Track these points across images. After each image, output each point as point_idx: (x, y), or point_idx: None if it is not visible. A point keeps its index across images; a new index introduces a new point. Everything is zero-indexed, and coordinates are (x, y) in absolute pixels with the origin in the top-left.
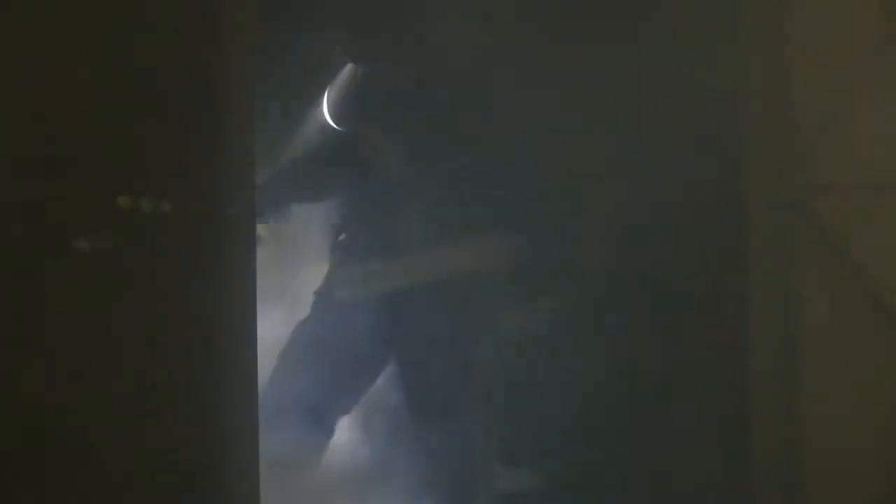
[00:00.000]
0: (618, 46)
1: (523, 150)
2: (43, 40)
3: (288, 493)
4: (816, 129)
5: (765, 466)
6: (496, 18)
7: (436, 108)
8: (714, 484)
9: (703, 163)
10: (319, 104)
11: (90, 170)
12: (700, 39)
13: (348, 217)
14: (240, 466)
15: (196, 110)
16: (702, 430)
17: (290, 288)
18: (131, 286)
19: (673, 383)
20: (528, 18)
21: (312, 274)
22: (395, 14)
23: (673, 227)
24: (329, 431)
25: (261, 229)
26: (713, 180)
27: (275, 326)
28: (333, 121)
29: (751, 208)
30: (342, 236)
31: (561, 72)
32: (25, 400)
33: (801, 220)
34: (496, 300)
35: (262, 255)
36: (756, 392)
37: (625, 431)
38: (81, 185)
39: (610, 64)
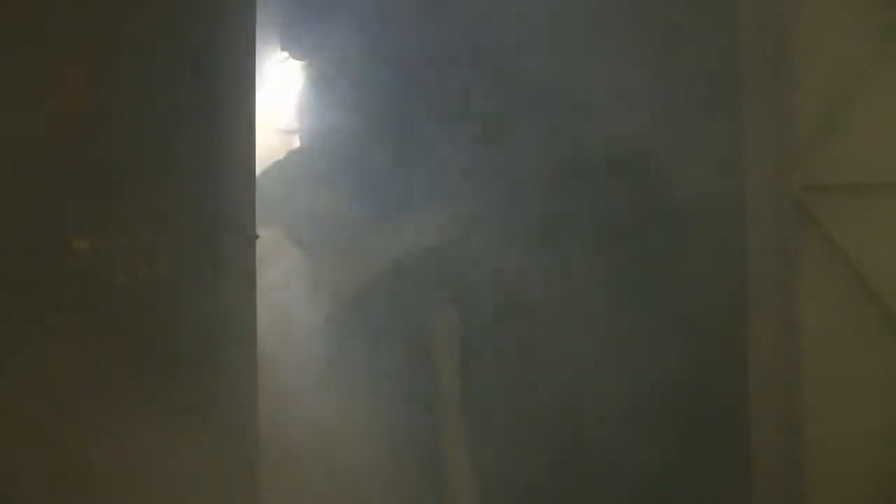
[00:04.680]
0: (615, 46)
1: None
2: (44, 50)
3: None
4: (816, 129)
5: (765, 466)
6: None
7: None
8: (714, 483)
9: (702, 163)
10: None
11: (92, 172)
12: (700, 38)
13: None
14: (240, 466)
15: (197, 113)
16: (702, 430)
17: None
18: (132, 287)
19: (673, 383)
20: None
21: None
22: None
23: (672, 227)
24: None
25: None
26: (714, 180)
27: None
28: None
29: (751, 208)
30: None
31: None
32: (25, 403)
33: (801, 220)
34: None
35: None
36: (756, 391)
37: (624, 431)
38: (83, 188)
39: (607, 62)
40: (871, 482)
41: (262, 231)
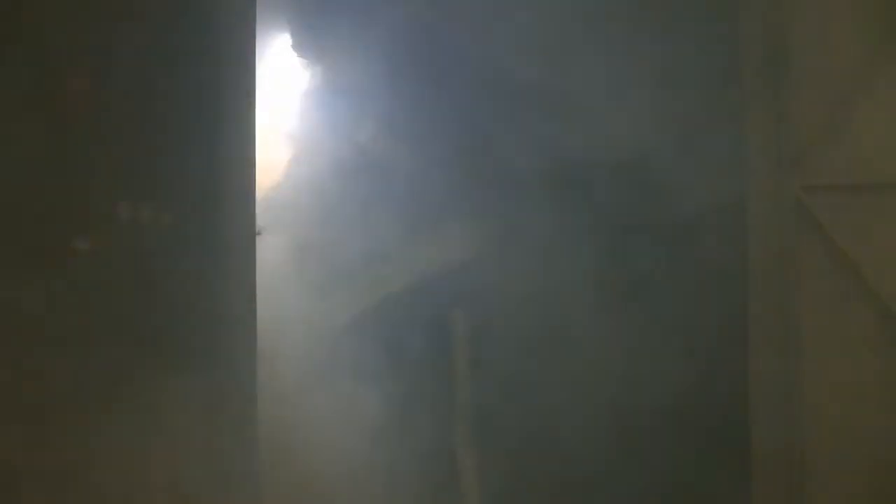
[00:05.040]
0: (618, 44)
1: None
2: (44, 50)
3: None
4: (816, 130)
5: (765, 466)
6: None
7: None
8: (715, 483)
9: (703, 164)
10: None
11: (93, 171)
12: (701, 38)
13: None
14: (240, 463)
15: (197, 113)
16: (702, 430)
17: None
18: (133, 286)
19: (674, 384)
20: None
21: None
22: None
23: (673, 228)
24: None
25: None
26: (714, 182)
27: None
28: None
29: (751, 209)
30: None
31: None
32: (23, 401)
33: (802, 221)
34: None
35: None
36: (756, 391)
37: (626, 431)
38: (85, 187)
39: (610, 62)
40: (870, 482)
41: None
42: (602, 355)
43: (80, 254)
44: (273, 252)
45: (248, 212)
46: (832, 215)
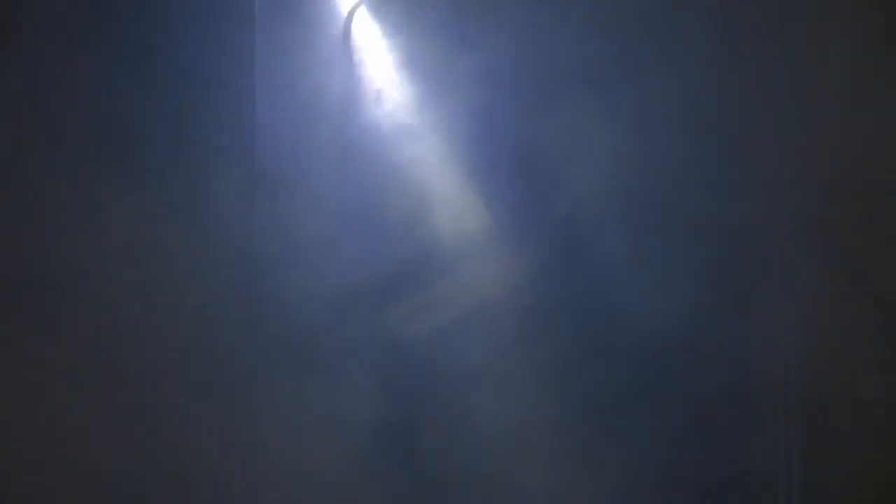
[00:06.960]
0: (625, 54)
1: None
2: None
3: None
4: (817, 129)
5: (765, 465)
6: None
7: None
8: (714, 482)
9: (703, 163)
10: None
11: (94, 168)
12: (700, 38)
13: None
14: (240, 457)
15: (196, 109)
16: (702, 430)
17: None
18: (134, 284)
19: (674, 382)
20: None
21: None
22: None
23: (672, 227)
24: None
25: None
26: (714, 180)
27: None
28: None
29: (751, 208)
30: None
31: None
32: (20, 402)
33: (802, 220)
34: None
35: None
36: (756, 391)
37: (625, 431)
38: (85, 184)
39: (617, 70)
40: (871, 482)
41: None
42: (598, 357)
43: (81, 251)
44: None
45: (248, 207)
46: (833, 215)
